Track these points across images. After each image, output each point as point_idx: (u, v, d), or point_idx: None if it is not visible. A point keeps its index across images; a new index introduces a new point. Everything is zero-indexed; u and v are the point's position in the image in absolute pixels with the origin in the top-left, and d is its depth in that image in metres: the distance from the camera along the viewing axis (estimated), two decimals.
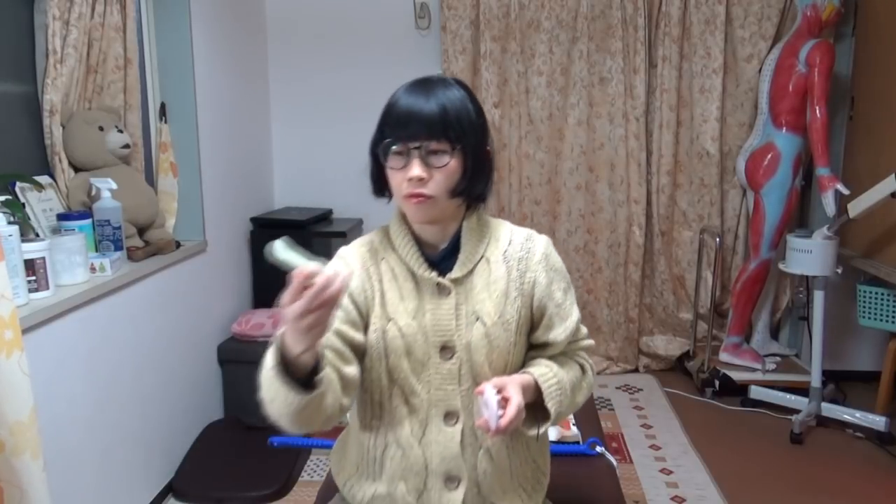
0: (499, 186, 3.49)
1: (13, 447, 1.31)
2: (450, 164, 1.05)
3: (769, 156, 3.12)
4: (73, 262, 1.90)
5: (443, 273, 1.12)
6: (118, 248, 2.14)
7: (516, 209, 3.53)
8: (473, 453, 1.12)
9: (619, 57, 3.39)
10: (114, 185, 2.11)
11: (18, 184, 1.91)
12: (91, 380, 1.98)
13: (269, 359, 0.95)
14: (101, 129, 2.15)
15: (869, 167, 2.92)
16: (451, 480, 1.12)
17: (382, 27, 3.50)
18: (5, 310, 1.29)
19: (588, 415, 1.95)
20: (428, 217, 1.09)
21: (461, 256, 1.13)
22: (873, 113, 2.97)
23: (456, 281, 1.12)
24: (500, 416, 0.98)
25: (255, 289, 3.28)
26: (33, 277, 1.73)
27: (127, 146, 2.25)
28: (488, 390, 1.00)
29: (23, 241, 1.70)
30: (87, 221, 2.06)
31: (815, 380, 2.83)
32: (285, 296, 0.86)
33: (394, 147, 1.05)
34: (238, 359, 2.85)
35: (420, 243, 1.14)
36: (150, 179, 2.58)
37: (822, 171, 2.89)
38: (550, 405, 1.09)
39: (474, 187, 1.10)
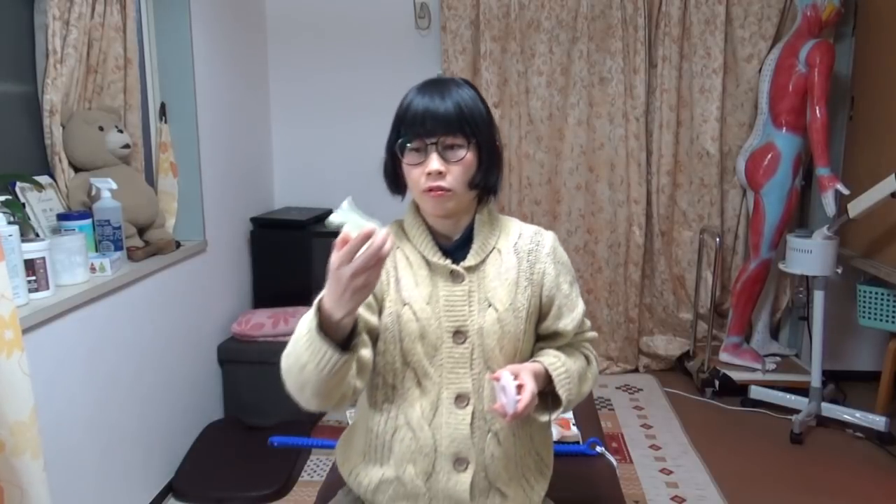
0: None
1: (13, 447, 1.31)
2: (466, 157, 1.11)
3: (769, 156, 3.12)
4: (73, 262, 1.90)
5: (456, 262, 1.17)
6: (118, 248, 2.14)
7: (516, 209, 3.53)
8: (482, 437, 1.15)
9: (619, 57, 3.39)
10: (114, 185, 2.11)
11: (18, 184, 1.91)
12: (91, 380, 1.98)
13: (306, 323, 0.99)
14: (101, 129, 2.15)
15: (869, 167, 2.92)
16: (459, 462, 1.14)
17: (382, 27, 3.50)
18: (5, 310, 1.29)
19: (588, 415, 1.96)
20: (446, 210, 1.14)
21: (474, 246, 1.18)
22: (873, 113, 2.97)
23: (469, 269, 1.16)
24: (518, 402, 1.02)
25: (255, 289, 3.28)
26: (33, 277, 1.73)
27: (127, 146, 2.25)
28: (506, 376, 1.04)
29: (23, 241, 1.70)
30: (87, 221, 2.06)
31: (815, 380, 2.83)
32: (336, 258, 0.91)
33: (412, 143, 1.11)
34: (238, 359, 2.85)
35: (434, 234, 1.19)
36: (150, 179, 2.58)
37: (822, 171, 2.89)
38: (562, 392, 1.14)
39: (489, 179, 1.16)
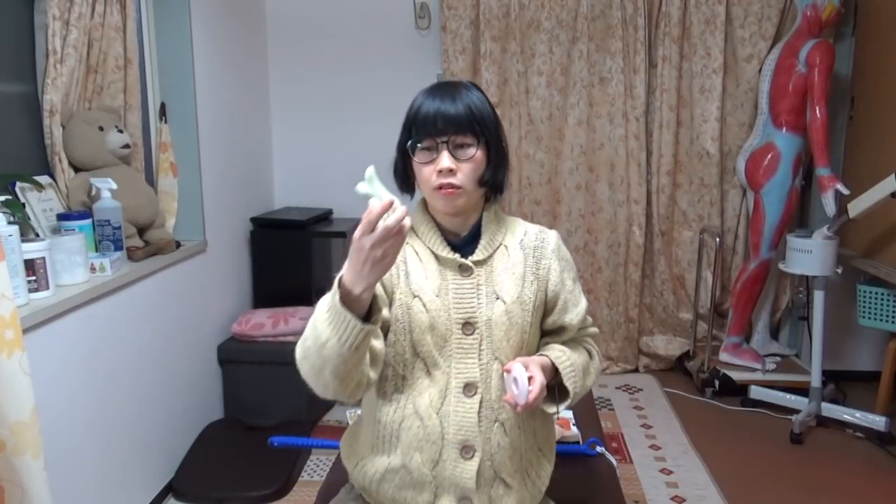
0: None
1: (14, 447, 1.31)
2: (476, 156, 1.15)
3: (769, 156, 3.12)
4: (73, 262, 1.90)
5: (464, 257, 1.21)
6: (118, 248, 2.14)
7: (516, 209, 3.53)
8: (489, 426, 1.17)
9: (619, 57, 3.39)
10: (114, 185, 2.11)
11: (18, 184, 1.91)
12: (91, 380, 1.98)
13: (327, 301, 1.02)
14: (101, 129, 2.15)
15: (869, 167, 2.92)
16: (466, 450, 1.16)
17: (382, 27, 3.50)
18: (6, 309, 1.29)
19: (588, 415, 1.96)
20: (456, 207, 1.18)
21: (482, 241, 1.22)
22: (873, 113, 2.97)
23: (477, 263, 1.20)
24: (529, 392, 1.06)
25: (255, 289, 3.28)
26: (33, 277, 1.73)
27: (127, 146, 2.25)
28: (517, 368, 1.08)
29: (23, 241, 1.70)
30: (87, 221, 2.06)
31: (815, 380, 2.83)
32: (359, 228, 0.95)
33: (423, 143, 1.15)
34: (238, 359, 2.85)
35: (442, 231, 1.23)
36: (150, 179, 2.58)
37: (822, 171, 2.89)
38: (569, 384, 1.19)
39: (496, 177, 1.20)
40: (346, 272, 1.00)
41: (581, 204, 3.55)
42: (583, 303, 1.27)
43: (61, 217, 2.02)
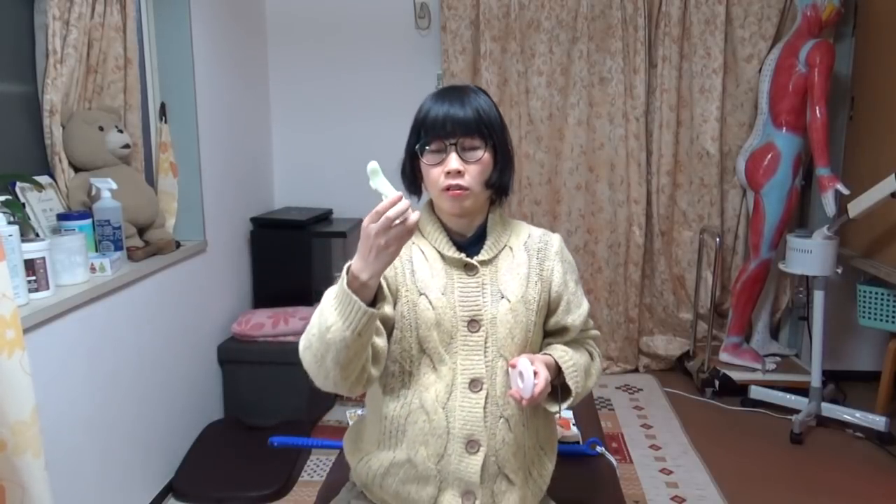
0: None
1: (15, 446, 1.31)
2: (483, 158, 1.18)
3: (769, 156, 3.12)
4: (73, 262, 1.90)
5: (470, 257, 1.23)
6: (118, 248, 2.14)
7: (516, 209, 3.53)
8: (494, 421, 1.19)
9: (619, 57, 3.39)
10: (114, 185, 2.11)
11: (18, 184, 1.91)
12: (91, 380, 1.98)
13: (334, 289, 1.06)
14: (101, 129, 2.15)
15: (869, 167, 2.92)
16: (471, 445, 1.18)
17: (382, 27, 3.50)
18: (6, 309, 1.29)
19: (588, 415, 1.96)
20: (463, 209, 1.20)
21: (488, 242, 1.25)
22: (873, 113, 2.97)
23: (483, 262, 1.23)
24: (535, 386, 1.08)
25: (255, 289, 3.28)
26: (33, 277, 1.73)
27: (127, 146, 2.25)
28: (523, 362, 1.11)
29: (23, 241, 1.70)
30: (87, 221, 2.06)
31: (815, 380, 2.83)
32: (368, 217, 1.00)
33: (432, 145, 1.18)
34: (238, 359, 2.85)
35: (448, 232, 1.25)
36: (150, 179, 2.58)
37: (822, 171, 2.89)
38: (571, 384, 1.21)
39: (503, 179, 1.24)
40: (355, 259, 1.03)
41: (581, 204, 3.55)
42: (585, 305, 1.29)
43: (61, 217, 2.01)
